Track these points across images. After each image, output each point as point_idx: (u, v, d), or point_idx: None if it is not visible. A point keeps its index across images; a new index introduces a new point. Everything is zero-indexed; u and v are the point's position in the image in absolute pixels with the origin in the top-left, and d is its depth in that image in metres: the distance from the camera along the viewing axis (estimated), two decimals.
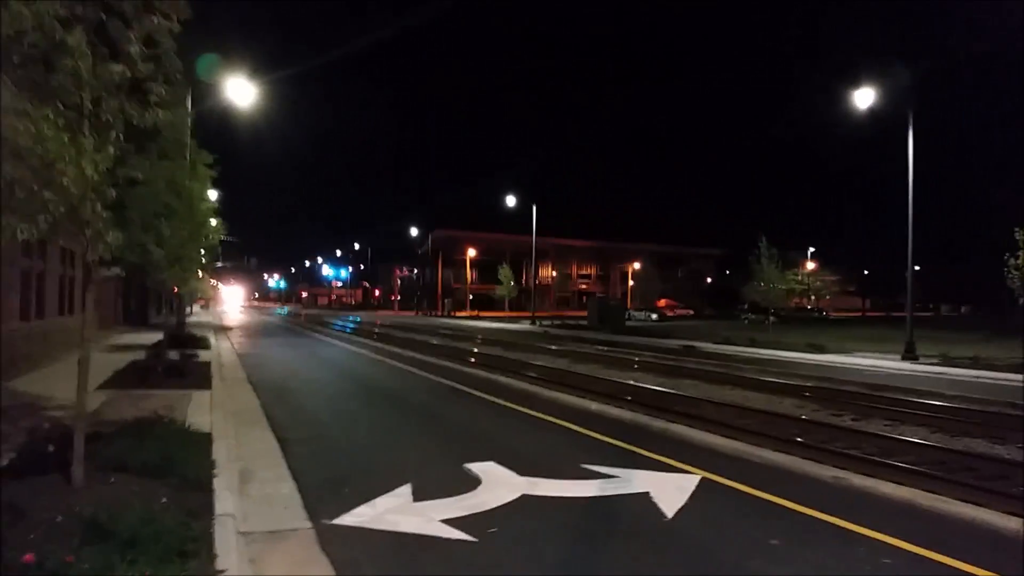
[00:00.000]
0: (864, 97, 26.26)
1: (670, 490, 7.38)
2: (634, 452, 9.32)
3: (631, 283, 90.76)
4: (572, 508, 6.87)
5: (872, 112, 26.81)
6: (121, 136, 5.91)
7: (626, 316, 59.32)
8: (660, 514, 6.64)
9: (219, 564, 4.54)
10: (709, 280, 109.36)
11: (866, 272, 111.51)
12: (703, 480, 7.87)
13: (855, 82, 26.39)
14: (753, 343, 31.69)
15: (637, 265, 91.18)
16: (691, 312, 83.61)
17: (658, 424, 11.53)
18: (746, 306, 57.59)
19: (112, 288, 33.47)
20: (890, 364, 23.60)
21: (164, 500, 5.50)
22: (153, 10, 5.79)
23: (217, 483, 6.52)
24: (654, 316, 69.99)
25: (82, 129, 5.62)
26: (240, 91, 19.09)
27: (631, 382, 18.03)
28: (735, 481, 7.84)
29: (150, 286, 29.17)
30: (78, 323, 22.22)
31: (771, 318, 39.94)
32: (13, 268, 16.69)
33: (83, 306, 6.23)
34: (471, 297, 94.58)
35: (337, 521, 6.25)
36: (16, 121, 5.41)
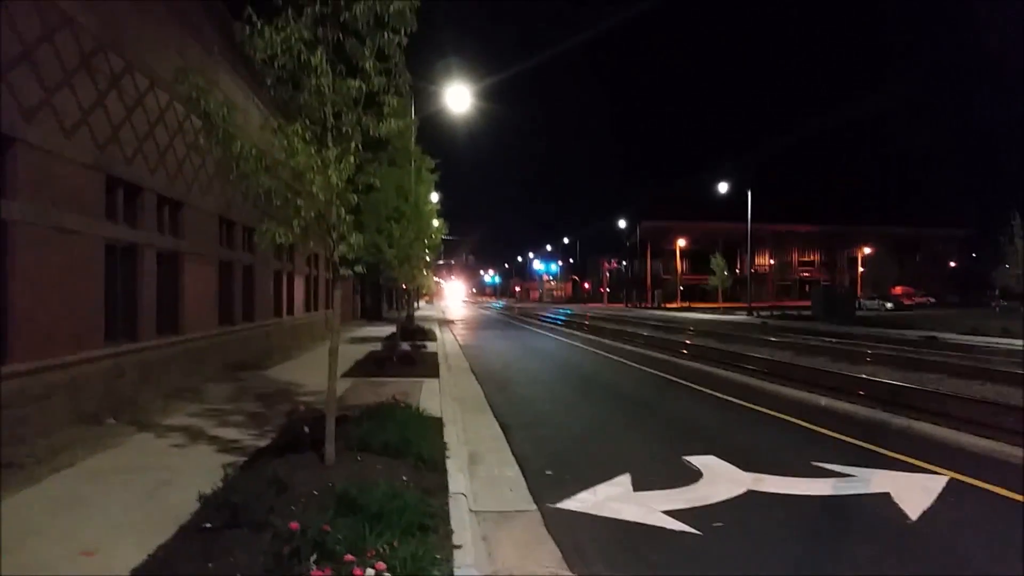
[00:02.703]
0: None
1: (914, 491, 6.78)
2: (870, 450, 8.64)
3: (861, 269, 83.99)
4: (804, 506, 6.50)
5: None
6: (360, 146, 6.44)
7: (856, 305, 54.96)
8: (903, 515, 6.12)
9: (455, 539, 4.83)
10: (952, 264, 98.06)
11: None
12: (951, 481, 7.14)
13: None
14: (1006, 333, 28.04)
15: (867, 249, 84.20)
16: (932, 300, 75.67)
17: (898, 421, 10.58)
18: (997, 292, 51.11)
19: (349, 285, 36.81)
20: None
21: (404, 478, 5.94)
22: (384, 26, 6.23)
23: (449, 464, 6.94)
24: (888, 305, 64.30)
25: (326, 141, 6.19)
26: (458, 98, 20.12)
27: (864, 376, 16.67)
28: (991, 483, 7.05)
29: (382, 283, 31.60)
30: (321, 318, 24.76)
31: None
32: (268, 270, 18.89)
33: (330, 303, 6.88)
34: (682, 288, 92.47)
35: (560, 505, 6.41)
36: (271, 136, 6.11)
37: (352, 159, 6.19)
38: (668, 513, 6.13)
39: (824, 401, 12.59)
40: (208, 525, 4.80)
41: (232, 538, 4.55)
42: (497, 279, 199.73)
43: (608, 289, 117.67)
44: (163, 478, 6.57)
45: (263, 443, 7.87)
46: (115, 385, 10.02)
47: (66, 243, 8.77)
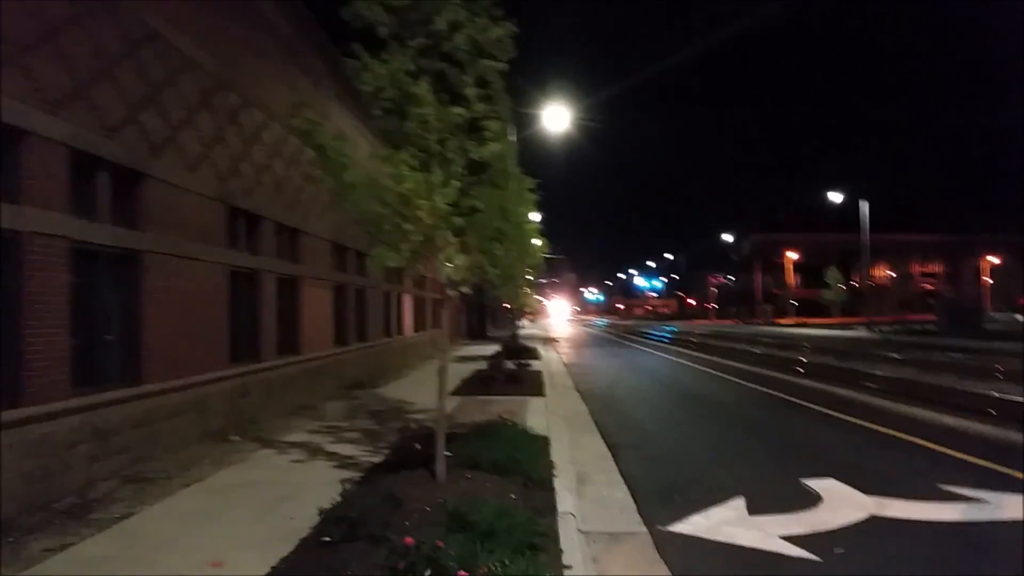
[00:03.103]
0: None
1: None
2: (1005, 474, 8.07)
3: (988, 280, 78.56)
4: (931, 533, 6.13)
5: None
6: (463, 170, 6.59)
7: (984, 318, 51.36)
8: None
9: (565, 560, 4.82)
10: None
11: None
12: None
13: None
14: None
15: (995, 259, 78.76)
16: None
17: None
18: None
19: (456, 305, 37.54)
20: None
21: (513, 496, 5.99)
22: (483, 54, 6.38)
23: (557, 483, 6.94)
24: (1020, 317, 59.74)
25: (431, 167, 6.37)
26: (557, 117, 20.25)
27: (995, 393, 15.54)
28: None
29: (486, 303, 32.03)
30: (428, 337, 25.31)
31: None
32: (378, 292, 19.51)
33: (438, 323, 7.05)
34: (794, 303, 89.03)
35: (672, 528, 6.28)
36: (380, 164, 6.35)
37: (456, 183, 6.34)
38: (786, 538, 5.91)
39: (951, 420, 11.84)
40: (327, 538, 4.99)
41: (350, 551, 4.71)
42: (600, 297, 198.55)
43: (715, 305, 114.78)
44: (285, 493, 6.87)
45: (377, 459, 8.12)
46: (239, 404, 10.58)
47: (193, 270, 9.38)
